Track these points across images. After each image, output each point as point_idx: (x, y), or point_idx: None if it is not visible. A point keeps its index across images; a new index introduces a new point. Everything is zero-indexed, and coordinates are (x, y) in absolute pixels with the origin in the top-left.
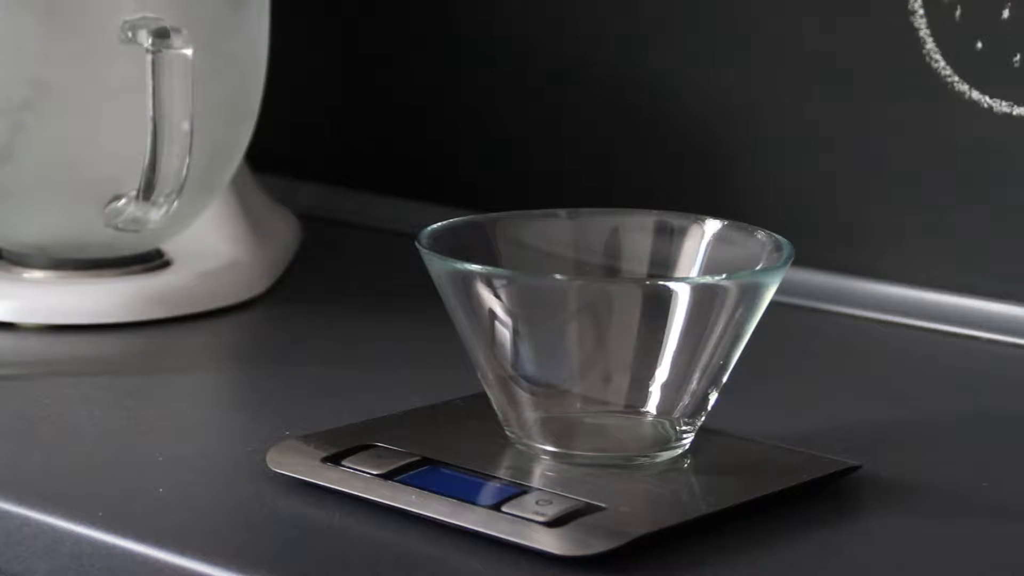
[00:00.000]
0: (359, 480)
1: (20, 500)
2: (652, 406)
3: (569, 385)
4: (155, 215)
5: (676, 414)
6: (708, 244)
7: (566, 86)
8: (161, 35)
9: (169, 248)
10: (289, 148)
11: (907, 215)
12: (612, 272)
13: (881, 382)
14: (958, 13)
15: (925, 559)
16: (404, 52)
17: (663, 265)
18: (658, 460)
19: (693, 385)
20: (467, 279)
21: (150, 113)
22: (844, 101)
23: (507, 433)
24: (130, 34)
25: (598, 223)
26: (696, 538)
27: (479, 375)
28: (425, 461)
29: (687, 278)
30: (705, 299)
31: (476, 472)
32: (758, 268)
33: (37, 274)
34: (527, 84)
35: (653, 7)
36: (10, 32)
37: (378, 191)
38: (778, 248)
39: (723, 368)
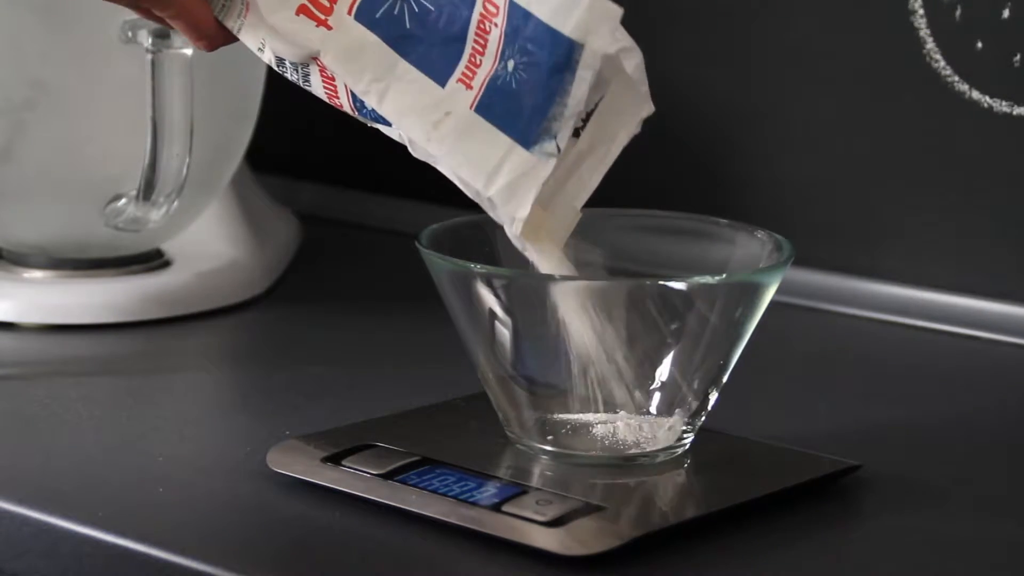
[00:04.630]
0: (359, 480)
1: (20, 500)
2: (652, 406)
3: (569, 385)
4: (155, 215)
5: (676, 414)
6: (708, 244)
7: None
8: (161, 35)
9: (169, 248)
10: (289, 148)
11: (907, 215)
12: (612, 272)
13: (881, 382)
14: (958, 13)
15: (925, 559)
16: None
17: (663, 265)
18: (658, 460)
19: (693, 385)
20: (467, 279)
21: (150, 113)
22: (844, 101)
23: (507, 433)
24: (130, 34)
25: (598, 223)
26: (696, 538)
27: (479, 375)
28: (425, 461)
29: (687, 278)
30: (705, 299)
31: (476, 472)
32: (758, 268)
33: (37, 274)
34: None
35: (654, 7)
36: (10, 32)
37: (378, 191)
38: (778, 248)
39: (723, 368)
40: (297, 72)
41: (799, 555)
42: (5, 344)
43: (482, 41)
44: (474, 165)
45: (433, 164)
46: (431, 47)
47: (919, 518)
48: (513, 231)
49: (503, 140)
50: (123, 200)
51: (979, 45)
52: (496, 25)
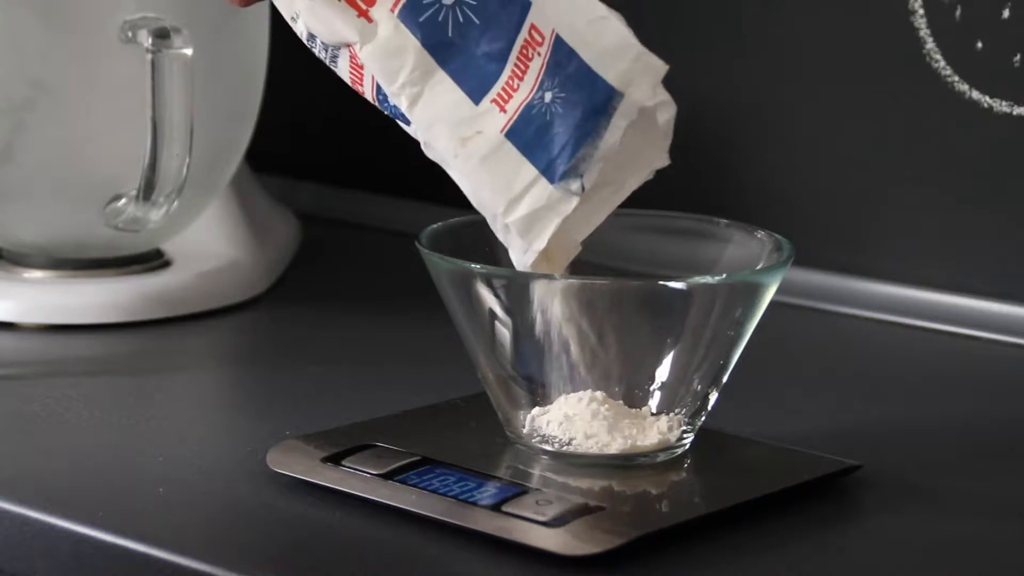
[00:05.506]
0: (359, 480)
1: (20, 500)
2: (652, 406)
3: (568, 385)
4: (155, 215)
5: (676, 414)
6: (708, 244)
7: None
8: (161, 35)
9: (169, 248)
10: (289, 148)
11: (907, 215)
12: (612, 272)
13: (881, 382)
14: (958, 13)
15: (925, 559)
16: None
17: (663, 265)
18: (658, 460)
19: (693, 385)
20: (467, 279)
21: (150, 113)
22: (844, 101)
23: (507, 433)
24: (130, 34)
25: None
26: (696, 538)
27: (479, 375)
28: (425, 461)
29: (687, 278)
30: (705, 299)
31: (476, 472)
32: (758, 268)
33: (37, 274)
34: None
35: (653, 7)
36: (10, 32)
37: (378, 191)
38: (778, 248)
39: (723, 368)
40: (327, 52)
41: (799, 555)
42: (5, 344)
43: (522, 67)
44: (497, 189)
45: (444, 168)
46: (470, 61)
47: (919, 518)
48: (525, 260)
49: (529, 169)
50: (123, 200)
51: (979, 45)
52: (539, 55)
